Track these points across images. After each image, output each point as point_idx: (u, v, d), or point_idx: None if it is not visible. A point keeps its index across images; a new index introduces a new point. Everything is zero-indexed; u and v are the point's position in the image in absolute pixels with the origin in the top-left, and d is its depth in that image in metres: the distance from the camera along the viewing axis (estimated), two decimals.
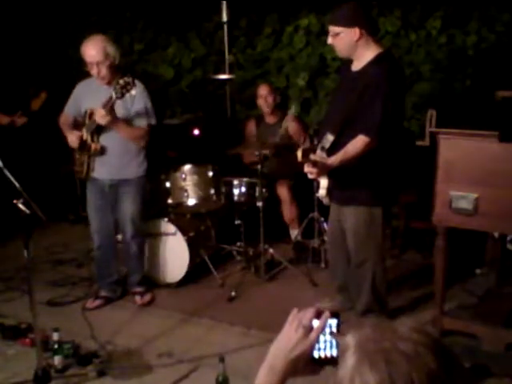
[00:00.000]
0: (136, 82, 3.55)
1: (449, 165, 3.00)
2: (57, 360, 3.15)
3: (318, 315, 1.21)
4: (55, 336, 3.16)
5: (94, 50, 3.60)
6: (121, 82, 3.47)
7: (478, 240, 3.74)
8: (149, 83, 5.72)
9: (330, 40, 3.23)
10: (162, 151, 5.22)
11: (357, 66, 3.26)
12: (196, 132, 5.21)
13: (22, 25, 5.55)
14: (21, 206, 2.87)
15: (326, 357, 1.20)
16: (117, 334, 3.60)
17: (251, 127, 5.01)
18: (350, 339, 0.95)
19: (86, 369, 3.18)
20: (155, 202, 4.55)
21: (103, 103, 3.56)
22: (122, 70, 3.73)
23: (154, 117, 3.79)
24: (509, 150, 2.83)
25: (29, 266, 2.98)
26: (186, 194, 4.36)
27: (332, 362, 1.19)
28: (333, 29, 3.18)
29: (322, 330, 1.19)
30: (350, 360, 0.91)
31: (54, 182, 3.79)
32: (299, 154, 3.01)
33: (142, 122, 3.75)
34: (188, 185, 4.37)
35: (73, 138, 3.77)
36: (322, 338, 1.20)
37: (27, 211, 2.87)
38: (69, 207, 3.95)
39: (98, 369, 3.16)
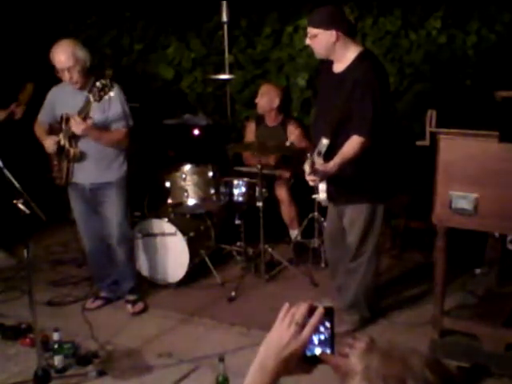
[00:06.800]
0: (113, 83, 3.44)
1: (449, 165, 3.00)
2: (57, 360, 3.15)
3: (311, 311, 1.14)
4: (55, 336, 3.16)
5: (63, 55, 3.49)
6: (98, 84, 3.37)
7: (478, 240, 3.74)
8: (149, 83, 5.77)
9: (307, 41, 3.24)
10: (162, 151, 5.22)
11: (339, 67, 3.26)
12: (196, 132, 5.21)
13: (21, 24, 5.55)
14: (21, 205, 2.87)
15: (319, 355, 1.15)
16: (117, 334, 3.60)
17: (251, 128, 5.00)
18: (357, 363, 0.91)
19: (85, 369, 3.19)
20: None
21: (80, 109, 3.46)
22: (94, 72, 3.62)
23: (131, 118, 3.71)
24: (509, 150, 2.83)
25: (29, 266, 2.98)
26: (186, 194, 4.36)
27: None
28: (310, 30, 3.19)
29: (315, 327, 1.13)
30: None
31: (53, 181, 3.79)
32: (308, 165, 3.04)
33: (119, 125, 3.66)
34: (188, 185, 4.37)
35: (50, 144, 3.65)
36: (315, 335, 1.14)
37: (27, 211, 2.87)
38: (69, 207, 3.94)
39: (98, 369, 3.17)
